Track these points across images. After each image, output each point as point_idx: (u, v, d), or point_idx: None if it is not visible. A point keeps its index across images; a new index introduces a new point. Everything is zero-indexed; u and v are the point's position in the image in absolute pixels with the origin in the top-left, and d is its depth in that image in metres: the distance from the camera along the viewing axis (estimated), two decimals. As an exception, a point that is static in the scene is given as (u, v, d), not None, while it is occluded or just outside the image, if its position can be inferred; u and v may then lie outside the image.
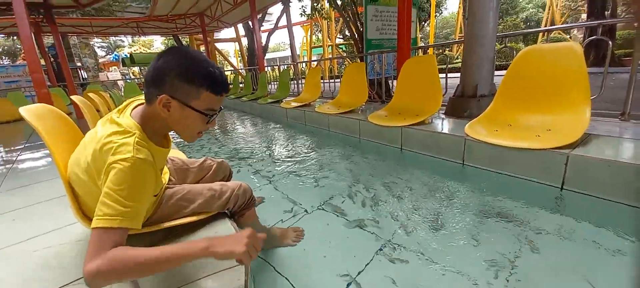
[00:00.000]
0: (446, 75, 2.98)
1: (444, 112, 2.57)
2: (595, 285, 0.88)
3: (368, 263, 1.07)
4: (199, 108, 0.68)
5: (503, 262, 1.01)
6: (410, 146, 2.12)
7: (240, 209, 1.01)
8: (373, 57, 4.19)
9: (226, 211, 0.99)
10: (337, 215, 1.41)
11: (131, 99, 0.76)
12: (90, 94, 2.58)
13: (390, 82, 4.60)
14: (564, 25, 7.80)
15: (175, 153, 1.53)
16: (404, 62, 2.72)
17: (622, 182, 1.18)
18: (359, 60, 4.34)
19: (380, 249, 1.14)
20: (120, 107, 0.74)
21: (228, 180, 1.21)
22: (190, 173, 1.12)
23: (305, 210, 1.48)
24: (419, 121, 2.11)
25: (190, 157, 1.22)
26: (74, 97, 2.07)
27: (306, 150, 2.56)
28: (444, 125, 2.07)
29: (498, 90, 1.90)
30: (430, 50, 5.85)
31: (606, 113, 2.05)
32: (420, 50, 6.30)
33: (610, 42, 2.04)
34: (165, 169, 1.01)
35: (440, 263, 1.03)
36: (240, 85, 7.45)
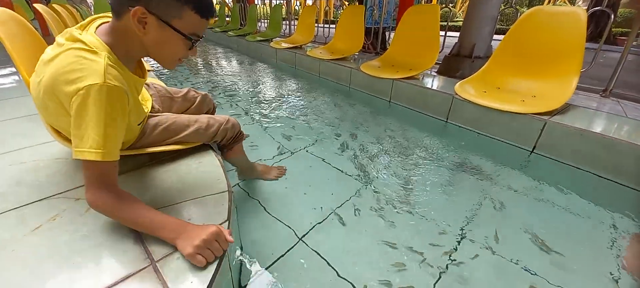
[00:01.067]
0: (446, 32, 2.88)
1: (436, 70, 2.54)
2: (544, 239, 0.99)
3: (345, 202, 1.14)
4: (182, 29, 0.59)
5: (466, 211, 1.11)
6: (398, 99, 2.12)
7: (228, 143, 1.01)
8: (373, 1, 3.92)
9: (212, 144, 0.99)
10: (320, 159, 1.45)
11: (96, 16, 0.64)
12: (56, 6, 2.31)
13: (387, 33, 4.41)
14: None
15: (154, 81, 1.46)
16: (405, 10, 2.58)
17: (596, 153, 1.26)
18: (357, 2, 4.07)
19: (358, 191, 1.21)
20: (82, 22, 0.62)
21: (212, 114, 1.19)
22: (175, 103, 1.07)
23: (291, 152, 1.50)
24: (411, 75, 2.09)
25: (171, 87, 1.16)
26: (38, 6, 1.84)
27: (294, 94, 2.51)
28: (434, 83, 2.06)
29: (494, 52, 1.87)
30: (434, 1, 5.54)
31: (589, 88, 2.11)
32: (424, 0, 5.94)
33: (612, 16, 2.00)
34: (148, 96, 0.96)
35: (411, 208, 1.12)
36: (227, 18, 6.89)
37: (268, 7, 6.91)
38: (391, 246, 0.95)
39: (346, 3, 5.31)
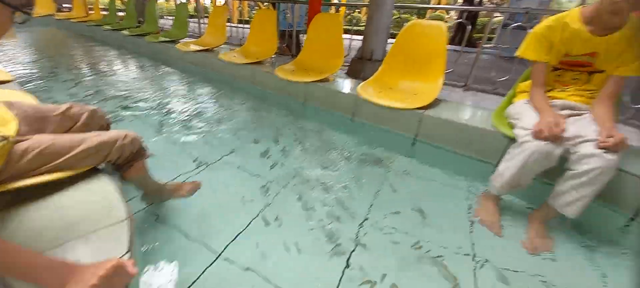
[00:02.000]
0: (351, 36, 3.19)
1: (346, 72, 2.80)
2: (424, 209, 1.25)
3: (266, 208, 1.19)
4: None
5: (370, 195, 1.31)
6: (312, 101, 2.27)
7: (127, 161, 0.92)
8: (286, 6, 4.02)
9: (106, 166, 0.89)
10: (239, 168, 1.46)
11: None
12: None
13: (301, 36, 4.57)
14: (444, 6, 9.20)
15: (18, 96, 1.21)
16: (314, 16, 2.74)
17: (456, 136, 1.63)
18: (271, 7, 4.10)
19: (278, 195, 1.28)
20: None
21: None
22: (50, 123, 0.90)
23: (206, 164, 1.46)
24: (323, 78, 2.26)
25: (46, 103, 1.00)
26: None
27: (207, 101, 2.41)
28: (342, 84, 2.28)
29: (386, 57, 2.19)
30: (342, 9, 5.99)
31: (455, 84, 2.67)
32: (333, 6, 6.34)
33: (469, 27, 2.58)
34: (10, 117, 0.80)
35: (326, 197, 1.25)
36: (120, 13, 5.98)
37: (173, 3, 6.26)
38: (316, 245, 1.05)
39: (261, 4, 5.26)
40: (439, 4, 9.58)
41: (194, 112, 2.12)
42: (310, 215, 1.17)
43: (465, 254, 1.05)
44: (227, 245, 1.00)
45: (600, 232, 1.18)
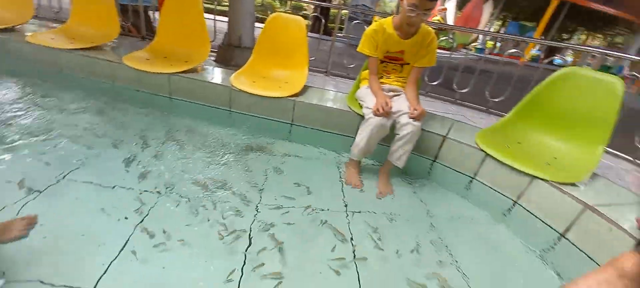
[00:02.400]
0: (214, 18, 3.01)
1: (214, 59, 2.66)
2: (307, 183, 1.46)
3: (143, 221, 1.08)
4: None
5: (259, 181, 1.41)
6: (180, 95, 2.07)
7: None
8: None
9: None
10: (91, 184, 1.22)
11: None
12: None
13: (152, 13, 3.89)
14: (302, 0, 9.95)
15: None
16: (165, -4, 2.41)
17: (324, 118, 1.92)
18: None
19: (156, 204, 1.17)
20: None
21: None
22: None
23: (38, 192, 1.14)
24: (190, 68, 2.08)
25: None
26: None
27: (17, 104, 1.78)
28: (214, 74, 2.19)
29: (254, 48, 2.25)
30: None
31: (318, 70, 3.05)
32: None
33: (323, 20, 2.96)
34: None
35: (215, 194, 1.25)
36: None
37: None
38: (214, 243, 1.05)
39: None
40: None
41: (7, 123, 1.54)
42: (201, 216, 1.15)
43: (342, 210, 1.34)
44: (101, 277, 0.86)
45: (417, 173, 1.75)
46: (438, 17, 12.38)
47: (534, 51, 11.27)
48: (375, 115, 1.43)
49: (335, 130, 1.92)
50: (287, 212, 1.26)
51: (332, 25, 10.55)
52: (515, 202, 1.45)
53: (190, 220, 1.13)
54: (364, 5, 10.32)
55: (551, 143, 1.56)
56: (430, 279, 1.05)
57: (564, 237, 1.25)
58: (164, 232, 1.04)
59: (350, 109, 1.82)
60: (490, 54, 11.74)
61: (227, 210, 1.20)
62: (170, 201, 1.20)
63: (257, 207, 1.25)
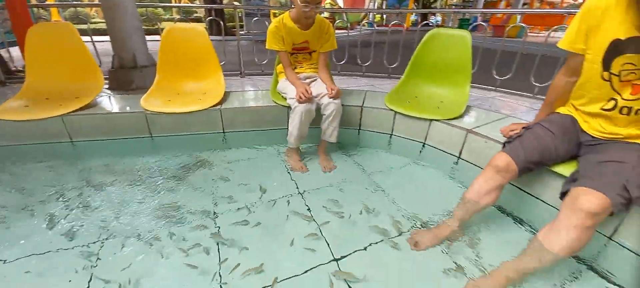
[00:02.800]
0: (92, 40, 2.62)
1: (108, 86, 2.36)
2: (257, 181, 1.52)
3: (92, 274, 0.99)
4: None
5: (208, 196, 1.40)
6: (85, 135, 1.81)
7: None
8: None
9: None
10: (11, 263, 1.04)
11: None
12: None
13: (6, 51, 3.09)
14: (191, 5, 9.27)
15: None
16: (23, 28, 2.00)
17: (253, 118, 1.96)
18: None
19: (98, 260, 1.08)
20: None
21: None
22: None
23: None
24: (85, 105, 1.82)
25: None
26: None
27: None
28: (118, 103, 1.96)
29: (158, 62, 2.10)
30: (53, 11, 4.35)
31: (232, 73, 3.01)
32: (40, 8, 4.51)
33: (221, 22, 2.90)
34: None
35: (165, 224, 1.21)
36: None
37: None
38: (184, 274, 1.03)
39: None
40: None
41: None
42: (157, 247, 1.11)
43: (296, 194, 1.46)
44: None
45: (349, 142, 1.98)
46: (329, 0, 13.20)
47: (412, 18, 13.19)
48: (299, 102, 1.57)
49: (268, 126, 2.00)
50: (248, 214, 1.31)
51: (231, 24, 10.17)
52: (423, 143, 1.82)
53: (147, 256, 1.08)
54: (258, 0, 10.25)
55: (436, 91, 2.00)
56: (384, 220, 1.28)
57: (460, 158, 1.65)
58: (129, 281, 0.98)
59: (276, 102, 1.92)
60: (379, 26, 13.22)
61: (187, 232, 1.19)
62: (116, 245, 1.11)
63: (215, 221, 1.27)
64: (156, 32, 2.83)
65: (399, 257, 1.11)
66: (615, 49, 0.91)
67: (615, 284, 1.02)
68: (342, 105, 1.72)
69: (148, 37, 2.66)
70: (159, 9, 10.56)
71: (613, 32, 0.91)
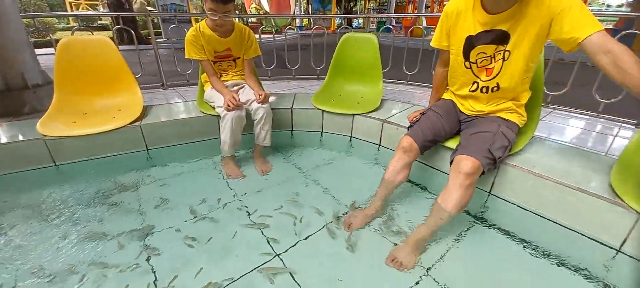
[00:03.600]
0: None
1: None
2: (196, 196, 1.47)
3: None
4: None
5: (138, 219, 1.31)
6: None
7: None
8: None
9: None
10: None
11: None
12: None
13: None
14: (88, 13, 8.08)
15: None
16: None
17: (181, 130, 1.87)
18: None
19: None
20: None
21: None
22: None
23: None
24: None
25: None
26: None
27: None
28: (10, 132, 1.65)
29: (54, 80, 1.83)
30: None
31: (152, 86, 2.79)
32: None
33: (133, 33, 2.65)
34: None
35: (95, 255, 1.10)
36: None
37: None
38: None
39: None
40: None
41: None
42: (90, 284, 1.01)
43: (235, 200, 1.46)
44: None
45: (283, 143, 2.06)
46: (254, 6, 13.04)
47: (337, 21, 13.97)
48: (228, 110, 1.58)
49: (199, 138, 1.94)
50: (191, 230, 1.27)
51: (145, 31, 9.20)
52: (350, 136, 2.01)
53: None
54: (173, 3, 9.50)
55: (356, 88, 2.22)
56: (321, 210, 1.38)
57: (380, 145, 1.88)
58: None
59: (204, 113, 1.88)
60: (307, 29, 13.62)
61: (124, 268, 1.08)
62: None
63: (156, 247, 1.18)
64: (49, 44, 2.44)
65: (336, 241, 1.23)
66: (470, 42, 1.19)
67: (496, 228, 1.31)
68: (273, 108, 1.79)
69: (39, 51, 2.29)
70: (51, 19, 8.93)
71: (466, 30, 1.19)
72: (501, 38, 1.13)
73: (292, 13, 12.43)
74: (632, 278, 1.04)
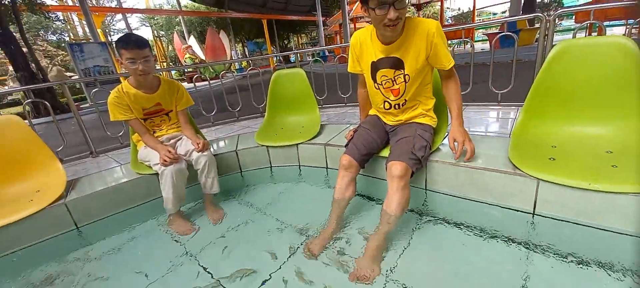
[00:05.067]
0: None
1: None
2: (141, 264, 1.34)
3: None
4: None
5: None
6: None
7: None
8: None
9: None
10: None
11: None
12: None
13: None
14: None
15: None
16: None
17: (118, 197, 1.72)
18: None
19: None
20: None
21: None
22: None
23: None
24: None
25: None
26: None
27: None
28: None
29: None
30: None
31: (79, 157, 2.54)
32: None
33: (48, 104, 2.43)
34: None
35: None
36: None
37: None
38: None
39: None
40: None
41: None
42: None
43: (188, 258, 1.37)
44: None
45: (234, 186, 2.01)
46: (188, 56, 12.89)
47: (275, 58, 14.51)
48: (165, 165, 1.52)
49: (139, 201, 1.81)
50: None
51: (64, 100, 8.38)
52: (299, 165, 2.07)
53: None
54: (96, 66, 8.91)
55: (296, 119, 2.34)
56: (279, 244, 1.37)
57: (327, 168, 1.97)
58: None
59: (140, 174, 1.77)
60: (247, 70, 13.86)
61: None
62: None
63: None
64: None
65: (298, 271, 1.22)
66: (375, 67, 1.38)
67: (439, 218, 1.44)
68: (217, 153, 1.77)
69: None
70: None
71: (370, 57, 1.38)
72: (396, 63, 1.34)
73: (228, 57, 12.57)
74: (551, 235, 1.21)
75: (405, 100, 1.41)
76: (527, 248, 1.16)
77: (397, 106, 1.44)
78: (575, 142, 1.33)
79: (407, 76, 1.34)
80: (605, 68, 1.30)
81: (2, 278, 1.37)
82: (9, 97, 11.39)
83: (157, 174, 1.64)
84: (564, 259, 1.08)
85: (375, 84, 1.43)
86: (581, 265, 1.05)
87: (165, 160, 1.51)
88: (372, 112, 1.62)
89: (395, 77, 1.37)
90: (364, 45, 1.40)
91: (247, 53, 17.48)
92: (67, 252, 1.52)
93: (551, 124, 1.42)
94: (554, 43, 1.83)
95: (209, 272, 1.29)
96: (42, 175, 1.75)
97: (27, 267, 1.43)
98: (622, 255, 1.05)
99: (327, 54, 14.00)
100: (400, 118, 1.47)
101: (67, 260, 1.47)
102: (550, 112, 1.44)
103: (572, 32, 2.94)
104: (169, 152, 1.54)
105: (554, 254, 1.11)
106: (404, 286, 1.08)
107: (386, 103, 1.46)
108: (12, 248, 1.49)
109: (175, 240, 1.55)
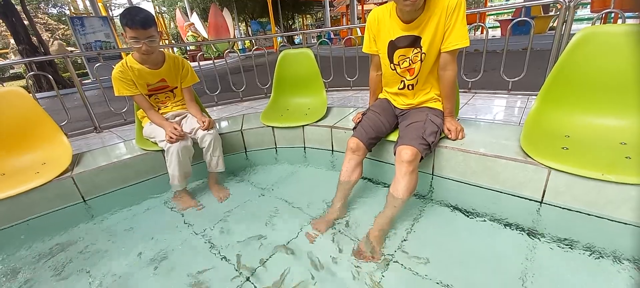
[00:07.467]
0: None
1: None
2: (154, 239, 1.36)
3: None
4: None
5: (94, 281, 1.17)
6: None
7: None
8: None
9: None
10: None
11: None
12: None
13: None
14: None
15: None
16: None
17: (124, 173, 1.72)
18: None
19: None
20: None
21: None
22: None
23: None
24: None
25: None
26: None
27: None
28: None
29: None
30: None
31: (84, 131, 2.54)
32: None
33: (51, 77, 2.40)
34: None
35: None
36: None
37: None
38: None
39: None
40: None
41: None
42: None
43: (193, 235, 1.38)
44: None
45: (239, 166, 2.01)
46: (190, 33, 12.66)
47: (278, 39, 14.22)
48: (171, 142, 1.51)
49: (144, 177, 1.81)
50: (139, 279, 1.17)
51: (66, 75, 8.31)
52: (304, 147, 2.06)
53: None
54: (98, 41, 8.78)
55: (302, 100, 2.30)
56: (285, 224, 1.38)
57: (333, 150, 1.95)
58: None
59: (146, 150, 1.77)
60: (249, 50, 13.62)
61: None
62: None
63: None
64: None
65: (304, 249, 1.23)
66: (392, 46, 1.34)
67: (444, 203, 1.44)
68: (223, 132, 1.75)
69: None
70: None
71: (388, 36, 1.33)
72: (414, 41, 1.29)
73: (231, 36, 12.32)
74: (559, 225, 1.21)
75: (417, 80, 1.38)
76: (533, 236, 1.16)
77: (411, 86, 1.41)
78: (589, 133, 1.30)
79: (423, 55, 1.30)
80: (629, 58, 1.25)
81: (10, 248, 1.39)
82: (11, 71, 11.33)
83: (162, 151, 1.63)
84: (571, 249, 1.08)
85: (392, 64, 1.39)
86: (590, 254, 1.04)
87: (171, 137, 1.50)
88: (381, 95, 1.58)
89: (413, 56, 1.33)
90: (382, 23, 1.34)
91: (250, 33, 17.12)
92: (75, 224, 1.54)
93: (566, 113, 1.39)
94: (571, 31, 1.77)
95: (214, 247, 1.31)
96: (48, 148, 1.74)
97: (35, 238, 1.45)
98: (634, 246, 1.05)
99: (332, 36, 13.69)
100: (412, 101, 1.43)
101: (74, 232, 1.49)
102: (566, 100, 1.40)
103: (590, 21, 2.83)
104: (175, 128, 1.53)
105: (561, 243, 1.11)
106: (408, 268, 1.09)
107: (402, 83, 1.42)
108: (21, 218, 1.50)
109: (181, 216, 1.56)
